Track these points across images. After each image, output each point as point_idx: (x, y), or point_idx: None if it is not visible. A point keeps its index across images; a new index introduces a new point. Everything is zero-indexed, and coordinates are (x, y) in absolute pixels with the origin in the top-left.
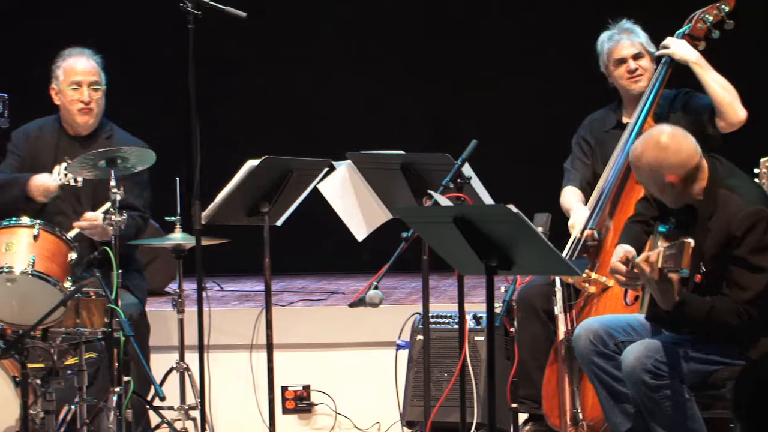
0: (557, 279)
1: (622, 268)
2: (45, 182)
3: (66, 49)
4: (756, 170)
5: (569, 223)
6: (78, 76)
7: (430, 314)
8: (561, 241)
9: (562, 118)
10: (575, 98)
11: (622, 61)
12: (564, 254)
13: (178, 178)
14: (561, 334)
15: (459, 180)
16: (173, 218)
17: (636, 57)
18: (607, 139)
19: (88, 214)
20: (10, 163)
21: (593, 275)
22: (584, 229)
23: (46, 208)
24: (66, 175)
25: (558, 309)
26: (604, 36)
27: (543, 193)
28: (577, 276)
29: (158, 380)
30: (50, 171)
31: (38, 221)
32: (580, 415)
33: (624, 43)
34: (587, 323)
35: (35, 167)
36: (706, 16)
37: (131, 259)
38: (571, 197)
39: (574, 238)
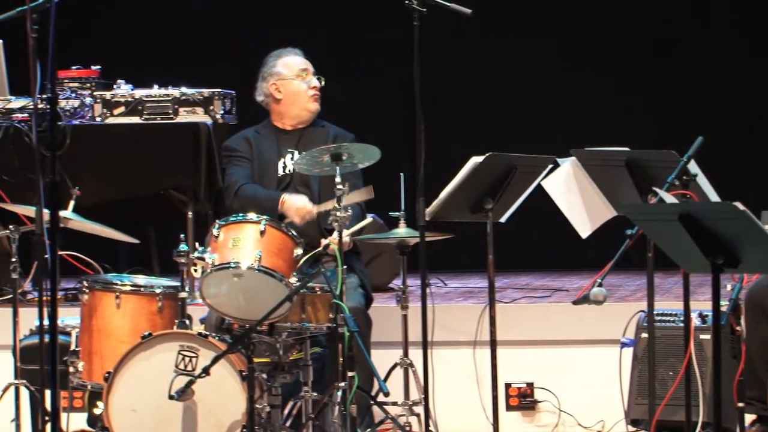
0: None
1: None
2: (305, 206)
3: (275, 51)
4: None
5: None
6: (303, 65)
7: (654, 312)
8: None
9: None
10: None
11: None
12: None
13: (402, 174)
14: None
15: (685, 177)
16: (397, 213)
17: None
18: None
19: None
20: (243, 167)
21: None
22: None
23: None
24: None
25: None
26: None
27: None
28: None
29: (382, 376)
30: (276, 168)
31: (265, 217)
32: None
33: None
34: None
35: (261, 167)
36: None
37: (358, 254)
38: None
39: None
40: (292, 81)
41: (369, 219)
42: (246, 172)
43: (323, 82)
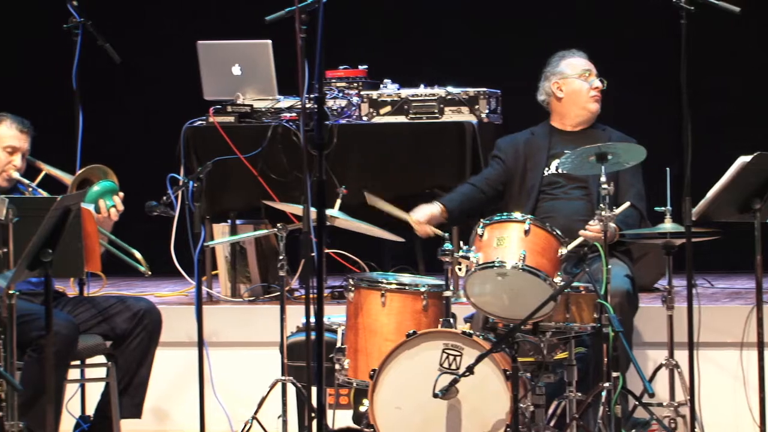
0: None
1: None
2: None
3: (559, 51)
4: None
5: None
6: (586, 66)
7: None
8: None
9: None
10: None
11: None
12: None
13: (668, 169)
14: None
15: None
16: (662, 208)
17: None
18: None
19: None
20: (492, 167)
21: None
22: None
23: (538, 204)
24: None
25: None
26: None
27: None
28: None
29: (648, 376)
30: (544, 169)
31: (529, 216)
32: None
33: None
34: None
35: (528, 168)
36: None
37: (629, 255)
38: None
39: None
40: (574, 80)
41: (627, 204)
42: (489, 172)
43: (605, 85)
